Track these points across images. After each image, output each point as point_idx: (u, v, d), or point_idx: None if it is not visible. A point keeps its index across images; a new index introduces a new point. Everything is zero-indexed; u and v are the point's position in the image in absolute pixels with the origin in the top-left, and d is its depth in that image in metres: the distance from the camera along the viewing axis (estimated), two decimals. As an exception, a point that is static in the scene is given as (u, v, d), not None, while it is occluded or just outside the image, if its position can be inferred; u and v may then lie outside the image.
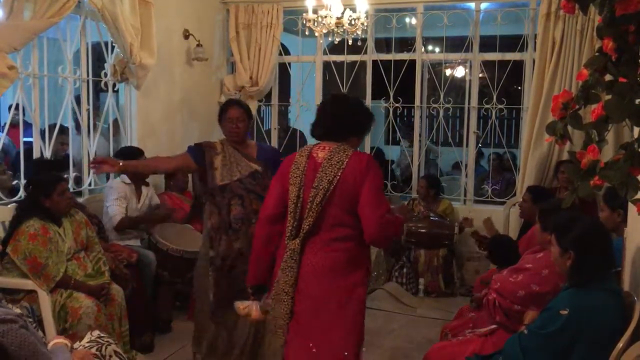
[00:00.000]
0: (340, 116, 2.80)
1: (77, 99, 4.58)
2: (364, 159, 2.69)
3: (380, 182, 2.75)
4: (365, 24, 4.74)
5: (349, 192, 2.62)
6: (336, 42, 5.16)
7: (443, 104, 5.92)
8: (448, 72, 7.97)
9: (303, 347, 2.66)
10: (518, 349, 2.41)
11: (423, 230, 5.32)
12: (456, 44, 6.03)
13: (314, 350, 2.64)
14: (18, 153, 4.60)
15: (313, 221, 2.64)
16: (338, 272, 2.67)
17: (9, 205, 3.79)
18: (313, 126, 2.85)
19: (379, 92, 6.27)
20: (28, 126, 4.44)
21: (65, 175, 4.40)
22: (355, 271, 2.71)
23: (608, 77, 1.44)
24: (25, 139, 4.36)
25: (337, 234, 2.67)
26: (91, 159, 4.67)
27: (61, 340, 2.52)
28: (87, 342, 2.68)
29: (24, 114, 4.36)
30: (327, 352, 2.65)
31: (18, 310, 2.54)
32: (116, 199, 4.34)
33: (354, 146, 2.84)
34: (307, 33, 4.90)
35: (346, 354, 2.65)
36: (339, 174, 2.63)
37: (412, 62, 5.98)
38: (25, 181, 3.91)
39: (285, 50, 6.63)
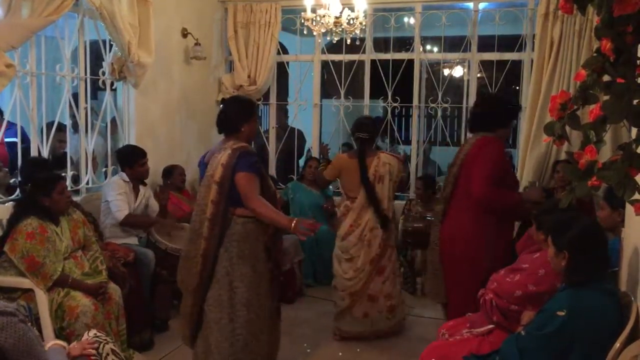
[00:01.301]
0: (478, 113, 3.67)
1: (75, 98, 4.57)
2: (484, 142, 3.52)
3: (492, 159, 3.44)
4: (364, 23, 4.73)
5: (470, 167, 3.50)
6: (334, 42, 5.17)
7: (441, 104, 5.93)
8: (446, 71, 7.97)
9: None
10: (515, 349, 2.41)
11: (420, 230, 5.31)
12: (454, 44, 6.04)
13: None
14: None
15: (450, 191, 3.66)
16: (460, 235, 3.56)
17: (6, 204, 3.78)
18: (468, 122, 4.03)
19: (377, 91, 6.27)
20: (12, 125, 4.42)
21: (63, 174, 4.40)
22: (474, 236, 3.50)
23: (606, 78, 1.44)
24: (8, 139, 4.34)
25: (463, 203, 3.56)
26: (89, 157, 4.67)
27: (59, 342, 2.53)
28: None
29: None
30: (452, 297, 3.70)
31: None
32: (119, 194, 4.33)
33: (503, 135, 3.64)
34: (305, 32, 4.91)
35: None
36: (466, 154, 3.56)
37: (411, 62, 5.99)
38: (19, 180, 3.90)
39: (283, 49, 6.63)
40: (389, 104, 6.06)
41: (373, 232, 4.25)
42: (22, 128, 4.32)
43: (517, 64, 5.73)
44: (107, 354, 2.61)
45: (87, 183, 4.69)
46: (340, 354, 4.18)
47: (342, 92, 6.19)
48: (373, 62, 6.07)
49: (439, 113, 5.97)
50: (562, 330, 2.28)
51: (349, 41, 5.00)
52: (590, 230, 2.45)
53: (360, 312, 4.32)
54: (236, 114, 3.30)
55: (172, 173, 5.16)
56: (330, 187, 6.26)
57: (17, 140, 4.18)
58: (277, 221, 3.19)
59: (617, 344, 2.20)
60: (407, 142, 7.19)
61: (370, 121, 4.51)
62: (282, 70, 6.72)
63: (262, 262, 3.27)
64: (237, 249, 3.19)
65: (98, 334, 2.74)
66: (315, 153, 6.44)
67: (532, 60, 5.41)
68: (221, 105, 3.39)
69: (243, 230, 3.20)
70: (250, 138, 3.40)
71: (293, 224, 3.08)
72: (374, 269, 4.28)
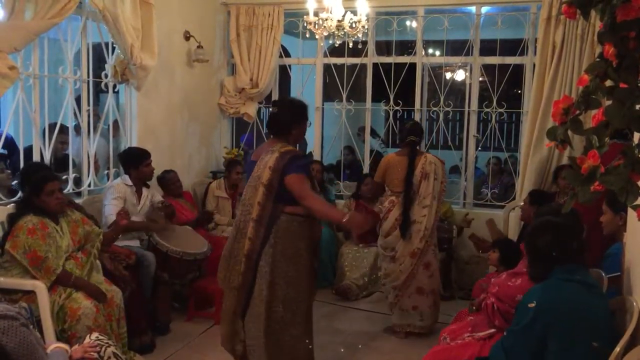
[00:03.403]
0: None
1: (78, 100, 4.58)
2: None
3: None
4: (366, 26, 4.75)
5: None
6: (337, 45, 5.18)
7: (443, 107, 5.93)
8: (448, 75, 7.97)
9: None
10: (501, 350, 2.44)
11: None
12: (456, 47, 6.04)
13: None
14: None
15: None
16: None
17: (8, 206, 3.78)
18: None
19: (379, 94, 6.28)
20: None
21: (65, 176, 4.41)
22: None
23: (609, 83, 1.44)
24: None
25: None
26: (91, 159, 4.68)
27: (61, 345, 2.53)
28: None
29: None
30: None
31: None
32: (114, 198, 4.33)
33: None
34: (307, 35, 4.92)
35: None
36: None
37: (413, 65, 5.99)
38: (20, 182, 3.92)
39: (285, 52, 6.64)
40: (391, 108, 6.07)
41: (415, 225, 4.39)
42: (12, 138, 4.31)
43: (519, 68, 5.73)
44: (109, 357, 2.61)
45: (89, 185, 4.70)
46: (340, 357, 4.18)
47: (344, 96, 6.20)
48: (375, 65, 6.08)
49: (441, 116, 5.97)
50: (533, 321, 2.31)
51: (351, 44, 5.01)
52: (542, 224, 2.54)
53: (410, 304, 4.45)
54: (288, 117, 3.36)
55: (162, 183, 5.11)
56: (333, 191, 6.26)
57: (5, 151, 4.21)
58: (331, 216, 3.36)
59: (618, 348, 2.21)
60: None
61: (419, 127, 4.72)
62: (284, 73, 6.73)
63: (304, 261, 3.31)
64: (282, 246, 3.23)
65: (100, 336, 2.74)
66: (316, 156, 6.43)
67: (534, 65, 5.41)
68: (274, 107, 3.43)
69: (286, 228, 3.23)
70: (298, 140, 3.46)
71: (345, 219, 3.13)
72: (418, 262, 4.42)
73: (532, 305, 2.32)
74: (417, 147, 4.55)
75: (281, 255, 3.23)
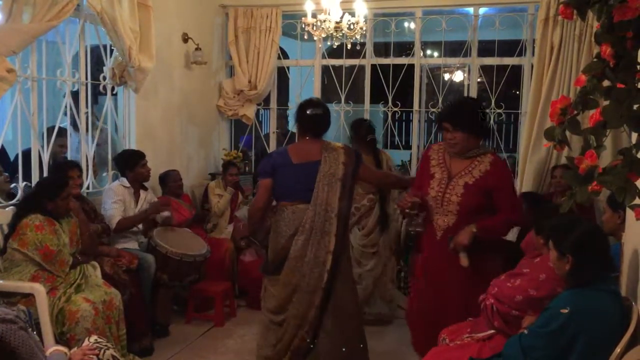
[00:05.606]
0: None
1: (76, 102, 4.57)
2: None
3: None
4: (364, 28, 4.75)
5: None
6: (335, 46, 5.18)
7: (441, 109, 5.93)
8: (446, 76, 7.98)
9: None
10: (519, 349, 2.42)
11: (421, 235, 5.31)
12: (455, 49, 6.04)
13: None
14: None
15: None
16: None
17: (6, 209, 3.78)
18: None
19: (378, 96, 6.28)
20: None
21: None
22: None
23: (606, 83, 1.44)
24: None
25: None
26: (89, 162, 4.68)
27: (60, 348, 2.53)
28: (86, 347, 2.68)
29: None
30: None
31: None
32: (114, 202, 4.34)
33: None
34: (306, 37, 4.92)
35: None
36: None
37: (411, 67, 5.99)
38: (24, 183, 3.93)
39: (284, 54, 6.64)
40: (389, 109, 6.07)
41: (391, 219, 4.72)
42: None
43: (517, 69, 5.74)
44: (108, 360, 2.61)
45: (88, 187, 4.69)
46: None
47: (343, 97, 6.20)
48: (373, 66, 6.08)
49: (439, 118, 5.96)
50: (565, 327, 2.29)
51: (349, 46, 5.01)
52: (592, 232, 2.46)
53: (388, 295, 4.80)
54: (329, 119, 3.49)
55: (165, 181, 5.13)
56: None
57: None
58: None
59: (618, 349, 2.20)
60: (408, 147, 7.19)
61: (372, 125, 4.91)
62: (282, 75, 6.72)
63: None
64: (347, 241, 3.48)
65: (99, 339, 2.74)
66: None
67: (532, 65, 5.41)
68: (319, 109, 3.40)
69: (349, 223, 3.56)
70: None
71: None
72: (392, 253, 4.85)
73: (566, 311, 2.30)
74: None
75: (347, 250, 3.43)
